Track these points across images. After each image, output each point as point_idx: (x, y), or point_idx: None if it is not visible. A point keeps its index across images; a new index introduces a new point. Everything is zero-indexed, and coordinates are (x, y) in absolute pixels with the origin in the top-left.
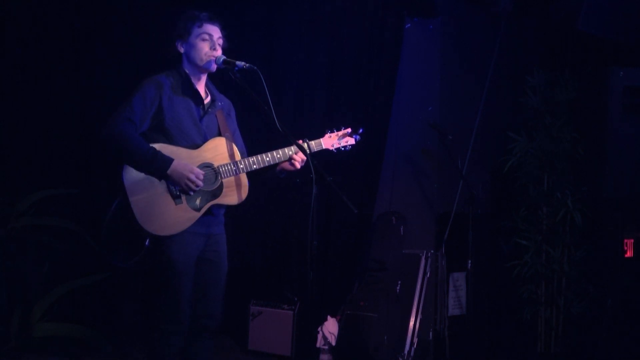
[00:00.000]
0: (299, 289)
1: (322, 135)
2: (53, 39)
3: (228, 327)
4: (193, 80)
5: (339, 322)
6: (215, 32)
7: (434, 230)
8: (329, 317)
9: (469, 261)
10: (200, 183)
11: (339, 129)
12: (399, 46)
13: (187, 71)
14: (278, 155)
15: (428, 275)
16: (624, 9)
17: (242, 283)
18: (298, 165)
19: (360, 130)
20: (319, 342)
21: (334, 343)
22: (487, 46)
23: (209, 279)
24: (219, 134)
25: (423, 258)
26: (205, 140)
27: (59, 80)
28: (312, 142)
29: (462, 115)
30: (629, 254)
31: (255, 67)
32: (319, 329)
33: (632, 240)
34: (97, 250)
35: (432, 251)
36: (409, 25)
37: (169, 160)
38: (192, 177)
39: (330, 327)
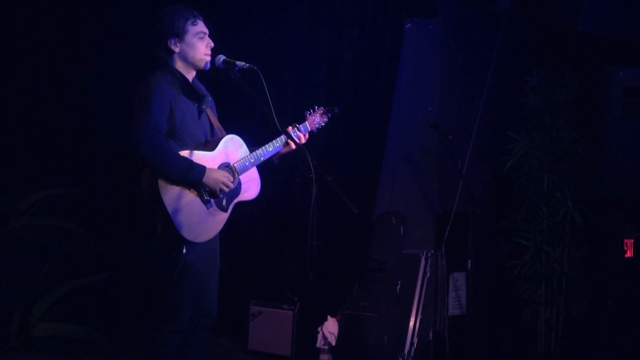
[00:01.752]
0: (299, 289)
1: (304, 118)
2: (53, 37)
3: (228, 327)
4: (187, 78)
5: (339, 322)
6: (206, 29)
7: (434, 230)
8: (329, 317)
9: (469, 261)
10: (232, 185)
11: (314, 110)
12: (399, 46)
13: (181, 70)
14: (277, 144)
15: (428, 275)
16: (623, 8)
17: (242, 283)
18: (294, 145)
19: (336, 110)
20: (319, 342)
21: (334, 343)
22: (487, 46)
23: (206, 276)
24: (212, 130)
25: (423, 258)
26: (205, 137)
27: (58, 80)
28: (301, 126)
29: (462, 115)
30: (629, 254)
31: (255, 67)
32: (319, 329)
33: (632, 240)
34: (96, 250)
35: (432, 251)
36: (409, 25)
37: (203, 169)
38: (226, 180)
39: (331, 327)
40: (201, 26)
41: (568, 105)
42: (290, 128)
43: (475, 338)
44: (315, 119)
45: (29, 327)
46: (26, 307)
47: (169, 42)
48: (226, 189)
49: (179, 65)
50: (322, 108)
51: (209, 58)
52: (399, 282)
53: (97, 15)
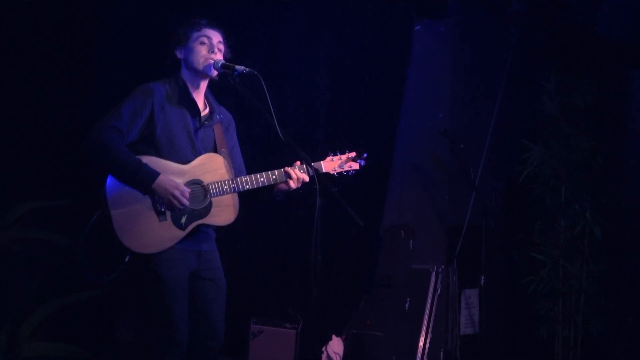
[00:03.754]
0: (302, 307)
1: (323, 158)
2: (45, 43)
3: (227, 347)
4: (191, 89)
5: (344, 341)
6: (214, 36)
7: (445, 244)
8: (333, 336)
9: (482, 277)
10: (186, 201)
11: (342, 152)
12: (408, 49)
13: (185, 79)
14: (274, 176)
15: (439, 291)
16: None
17: (241, 300)
18: (293, 185)
19: (365, 155)
20: None
21: None
22: (501, 49)
23: (207, 297)
24: (215, 149)
25: (433, 274)
26: (198, 154)
27: (49, 84)
28: (312, 164)
29: (475, 122)
30: None
31: (255, 72)
32: (323, 348)
33: None
34: (89, 266)
35: (442, 266)
36: (419, 27)
37: (155, 174)
38: (177, 193)
39: (335, 347)
40: (206, 32)
41: (586, 111)
42: (297, 163)
43: (489, 358)
44: (336, 164)
45: (17, 346)
46: (14, 325)
47: (176, 51)
48: (177, 204)
49: (186, 75)
50: (353, 153)
51: (210, 62)
52: (408, 299)
53: (93, 22)
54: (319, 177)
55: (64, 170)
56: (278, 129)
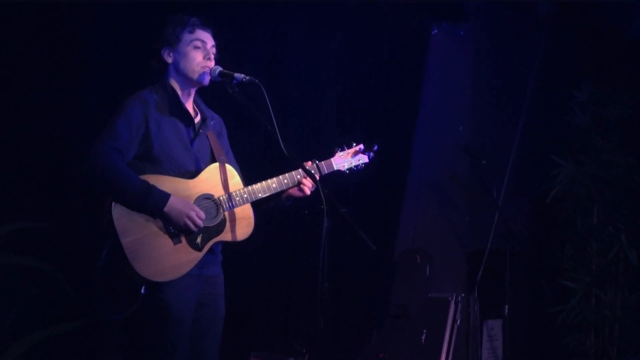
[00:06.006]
0: (308, 339)
1: (332, 155)
2: (28, 54)
3: None
4: (181, 96)
5: None
6: (208, 39)
7: (465, 271)
8: None
9: (506, 306)
10: (201, 223)
11: (349, 146)
12: (424, 55)
13: (175, 85)
14: (285, 181)
15: (458, 322)
16: None
17: (241, 332)
18: (308, 191)
19: (375, 147)
20: None
21: None
22: (527, 55)
23: (204, 325)
24: (212, 158)
25: (452, 303)
26: (198, 166)
27: (30, 96)
28: (323, 163)
29: (498, 136)
30: None
31: (256, 80)
32: None
33: None
34: (71, 294)
35: (462, 295)
36: (436, 31)
37: (166, 196)
38: (193, 214)
39: None
40: (199, 35)
41: (621, 123)
42: (309, 163)
43: None
44: (346, 159)
45: None
46: None
47: (162, 52)
48: (192, 227)
49: (174, 81)
50: (360, 145)
51: (206, 70)
52: (425, 330)
53: (81, 32)
54: (326, 196)
55: (46, 190)
56: (281, 143)
